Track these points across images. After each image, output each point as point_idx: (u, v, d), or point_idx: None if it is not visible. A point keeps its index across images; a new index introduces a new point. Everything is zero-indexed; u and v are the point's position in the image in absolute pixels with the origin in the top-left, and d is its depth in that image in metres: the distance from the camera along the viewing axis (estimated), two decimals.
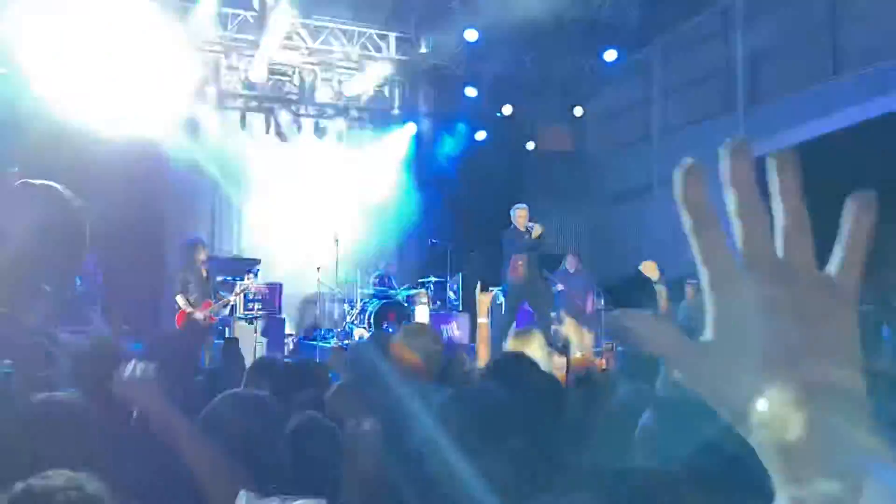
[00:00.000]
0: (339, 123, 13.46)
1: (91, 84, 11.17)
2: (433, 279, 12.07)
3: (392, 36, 12.58)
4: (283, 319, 10.39)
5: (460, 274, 12.39)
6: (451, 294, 12.34)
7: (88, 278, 10.62)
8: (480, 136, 14.01)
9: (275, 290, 10.42)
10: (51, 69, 11.13)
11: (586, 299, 10.64)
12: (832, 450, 0.45)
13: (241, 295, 9.40)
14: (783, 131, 11.65)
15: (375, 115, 13.64)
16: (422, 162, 13.71)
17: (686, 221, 0.53)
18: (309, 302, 12.63)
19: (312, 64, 12.50)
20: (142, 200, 11.65)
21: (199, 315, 8.07)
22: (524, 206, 8.80)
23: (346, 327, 11.05)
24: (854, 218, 0.55)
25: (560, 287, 10.15)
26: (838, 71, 11.03)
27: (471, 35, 11.81)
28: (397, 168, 13.63)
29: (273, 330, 9.95)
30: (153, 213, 12.19)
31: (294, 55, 12.14)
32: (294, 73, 12.57)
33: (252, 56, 12.01)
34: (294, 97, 13.03)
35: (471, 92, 13.18)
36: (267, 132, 13.30)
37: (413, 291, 11.52)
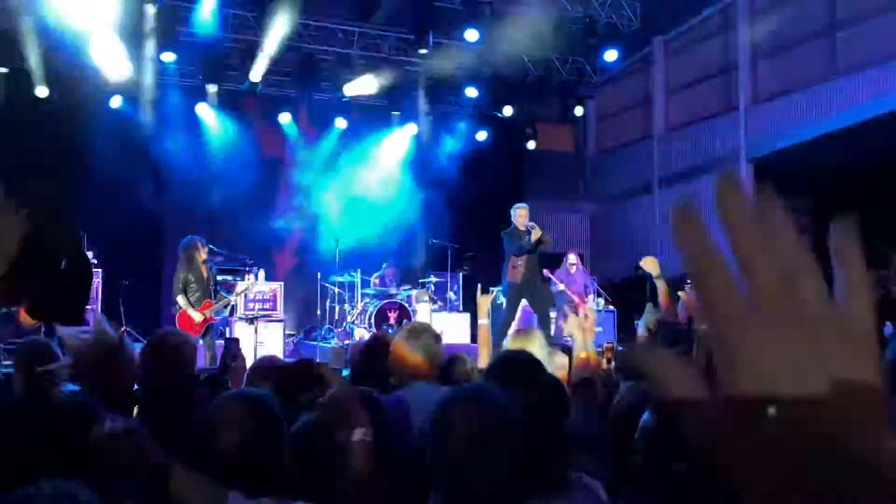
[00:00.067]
0: (340, 123, 13.46)
1: (91, 83, 11.19)
2: (434, 279, 12.06)
3: (392, 36, 12.58)
4: (284, 319, 10.39)
5: (461, 274, 12.39)
6: (451, 294, 12.33)
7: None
8: (481, 136, 14.00)
9: (275, 290, 10.41)
10: (51, 68, 11.15)
11: (586, 299, 10.63)
12: None
13: (242, 295, 9.39)
14: (784, 131, 11.66)
15: (376, 116, 13.63)
16: (422, 162, 13.70)
17: (688, 266, 0.50)
18: (309, 302, 12.63)
19: (313, 64, 12.49)
20: (143, 201, 11.67)
21: (198, 315, 8.06)
22: (524, 205, 8.80)
23: (347, 327, 11.05)
24: (840, 250, 0.52)
25: (561, 287, 10.15)
26: (839, 71, 11.03)
27: (471, 35, 11.80)
28: (398, 168, 13.63)
29: (273, 330, 9.94)
30: (154, 214, 12.21)
31: (294, 55, 12.13)
32: (294, 73, 12.56)
33: (252, 56, 12.01)
34: (294, 97, 13.02)
35: (471, 92, 13.17)
36: (267, 132, 13.30)
37: (414, 291, 11.52)
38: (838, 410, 0.46)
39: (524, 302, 8.79)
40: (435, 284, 12.03)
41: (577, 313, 3.42)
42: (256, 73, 12.09)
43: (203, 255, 8.31)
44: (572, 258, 11.05)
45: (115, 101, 11.80)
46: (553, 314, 8.89)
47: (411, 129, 13.64)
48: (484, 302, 4.20)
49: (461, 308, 12.16)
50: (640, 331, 4.12)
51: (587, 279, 11.05)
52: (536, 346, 3.38)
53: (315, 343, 11.01)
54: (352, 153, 13.62)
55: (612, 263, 14.32)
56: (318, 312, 12.03)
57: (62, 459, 1.72)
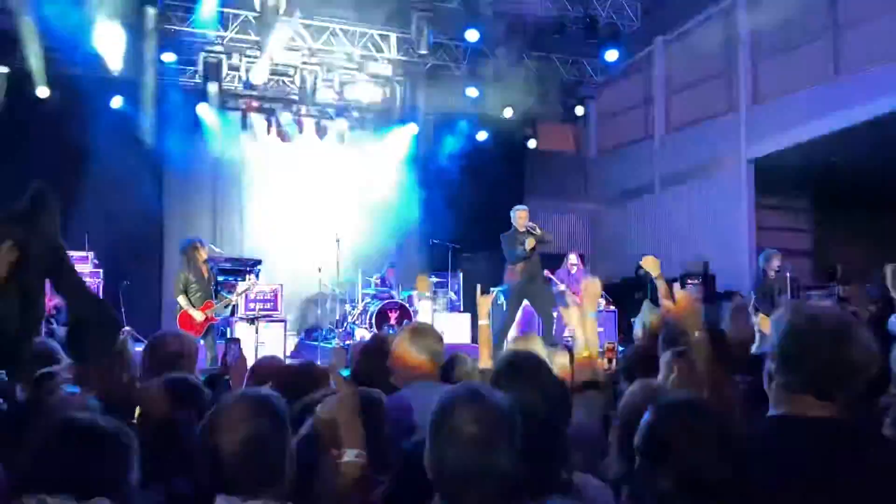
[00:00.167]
0: (340, 124, 13.46)
1: (91, 84, 11.19)
2: (434, 279, 12.06)
3: (393, 36, 12.58)
4: (285, 320, 10.39)
5: (461, 274, 12.39)
6: (452, 294, 12.34)
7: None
8: (481, 136, 14.00)
9: (276, 290, 10.41)
10: (52, 67, 11.16)
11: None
12: None
13: (243, 295, 9.39)
14: (784, 131, 11.65)
15: (376, 116, 13.63)
16: (423, 162, 13.70)
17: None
18: (310, 302, 12.63)
19: (313, 64, 12.49)
20: (143, 201, 11.68)
21: (199, 315, 8.06)
22: (524, 207, 8.78)
23: (348, 327, 11.05)
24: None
25: (561, 287, 10.15)
26: (839, 71, 11.03)
27: (472, 35, 11.80)
28: (398, 168, 13.63)
29: (274, 330, 9.94)
30: (154, 214, 12.22)
31: (295, 55, 12.13)
32: (295, 73, 12.56)
33: (253, 56, 12.01)
34: (295, 97, 13.03)
35: (472, 92, 13.17)
36: (268, 132, 13.31)
37: (414, 291, 11.52)
38: None
39: (525, 302, 8.78)
40: (435, 284, 12.03)
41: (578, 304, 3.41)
42: (257, 73, 12.09)
43: (203, 254, 8.31)
44: (573, 258, 11.05)
45: (116, 102, 11.81)
46: (555, 314, 8.88)
47: (412, 129, 13.64)
48: (484, 302, 4.18)
49: (461, 308, 12.17)
50: (637, 329, 4.11)
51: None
52: (538, 349, 3.38)
53: (316, 343, 11.01)
54: (352, 153, 13.62)
55: (613, 263, 14.31)
56: (319, 312, 12.03)
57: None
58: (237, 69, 12.36)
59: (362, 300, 11.36)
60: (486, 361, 3.80)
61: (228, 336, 8.55)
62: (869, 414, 2.70)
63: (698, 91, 13.75)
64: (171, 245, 11.56)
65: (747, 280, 10.77)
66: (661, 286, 3.87)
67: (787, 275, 9.17)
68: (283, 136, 13.35)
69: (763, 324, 4.70)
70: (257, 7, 11.09)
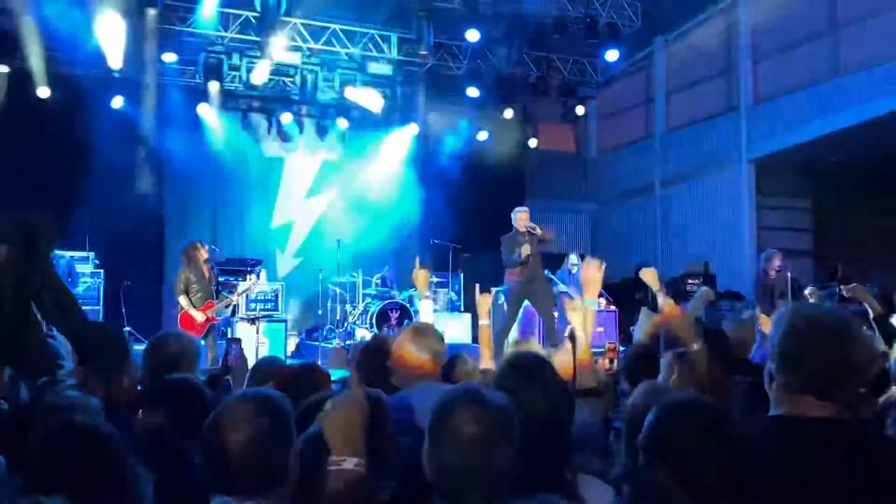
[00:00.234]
0: (341, 124, 13.46)
1: (92, 84, 11.20)
2: (435, 279, 12.06)
3: (394, 36, 12.58)
4: (286, 320, 10.39)
5: (462, 274, 12.39)
6: (452, 294, 12.34)
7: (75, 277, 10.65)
8: (482, 136, 14.00)
9: (277, 290, 10.41)
10: (53, 67, 11.17)
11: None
12: None
13: (244, 295, 9.39)
14: (785, 131, 11.65)
15: (377, 116, 13.63)
16: (424, 162, 13.70)
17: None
18: (311, 302, 12.64)
19: (314, 64, 12.49)
20: (144, 201, 11.68)
21: (200, 316, 8.06)
22: (525, 209, 8.74)
23: (348, 328, 11.05)
24: None
25: (562, 287, 10.14)
26: (840, 71, 11.03)
27: (472, 35, 11.80)
28: (399, 168, 13.63)
29: (275, 330, 9.94)
30: (155, 214, 12.22)
31: (296, 56, 12.13)
32: (296, 73, 12.56)
33: (254, 56, 12.02)
34: (296, 97, 13.03)
35: (472, 92, 13.17)
36: (269, 132, 13.32)
37: (415, 292, 11.50)
38: None
39: (527, 303, 8.75)
40: (436, 285, 12.02)
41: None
42: (258, 73, 12.10)
43: (203, 254, 8.29)
44: (574, 258, 11.03)
45: (117, 102, 11.82)
46: (556, 314, 8.87)
47: (413, 129, 13.64)
48: (484, 302, 4.18)
49: (462, 308, 12.16)
50: (637, 335, 4.11)
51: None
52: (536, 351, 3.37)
53: (317, 343, 11.01)
54: (353, 153, 13.62)
55: (614, 263, 14.28)
56: (320, 312, 12.04)
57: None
58: (238, 69, 12.36)
59: (363, 300, 11.36)
60: (487, 362, 3.80)
61: (229, 336, 8.55)
62: (870, 414, 2.71)
63: (699, 91, 13.76)
64: (171, 245, 11.56)
65: (748, 280, 10.78)
66: (661, 300, 3.86)
67: (788, 274, 9.17)
68: (283, 136, 13.36)
69: (763, 324, 4.70)
70: (258, 7, 11.09)
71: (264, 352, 8.53)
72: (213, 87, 12.17)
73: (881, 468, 1.75)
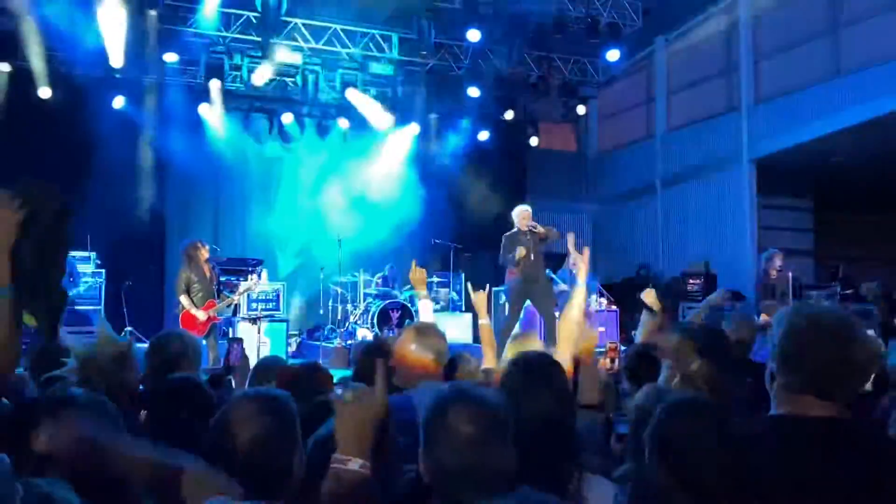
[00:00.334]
0: (342, 124, 13.47)
1: (93, 84, 11.22)
2: (436, 279, 12.07)
3: (395, 36, 12.58)
4: (287, 319, 10.40)
5: (462, 274, 12.39)
6: (453, 294, 12.34)
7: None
8: (483, 136, 14.00)
9: (278, 290, 10.42)
10: (54, 68, 11.18)
11: (589, 299, 10.62)
12: None
13: (245, 295, 9.40)
14: (786, 130, 11.65)
15: (378, 116, 13.63)
16: (424, 162, 13.71)
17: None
18: (312, 302, 12.65)
19: (315, 64, 12.50)
20: (145, 201, 11.69)
21: (202, 315, 8.07)
22: (527, 207, 8.72)
23: (350, 327, 11.06)
24: None
25: (563, 287, 10.15)
26: (841, 70, 11.03)
27: (473, 35, 11.80)
28: (400, 168, 13.64)
29: (276, 330, 9.94)
30: (156, 214, 12.23)
31: (297, 56, 12.14)
32: (297, 73, 12.57)
33: (255, 56, 12.03)
34: (297, 97, 13.03)
35: (473, 92, 13.17)
36: (270, 132, 13.32)
37: (415, 292, 11.50)
38: None
39: (528, 303, 8.75)
40: (437, 284, 12.03)
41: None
42: (259, 74, 12.11)
43: (205, 254, 8.29)
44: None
45: (118, 102, 11.82)
46: (557, 314, 8.87)
47: (414, 129, 13.65)
48: (479, 299, 4.17)
49: (463, 308, 12.17)
50: (639, 338, 4.11)
51: (589, 280, 11.03)
52: (536, 348, 3.37)
53: (318, 343, 11.03)
54: (354, 153, 13.63)
55: (615, 263, 14.32)
56: (321, 312, 12.04)
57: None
58: (239, 69, 12.37)
59: (364, 300, 11.37)
60: (490, 361, 3.80)
61: (230, 336, 8.55)
62: (870, 413, 2.71)
63: (699, 90, 13.76)
64: (173, 245, 11.57)
65: (749, 279, 10.78)
66: (659, 319, 3.86)
67: (789, 274, 9.17)
68: (284, 135, 13.37)
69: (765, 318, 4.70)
70: (259, 7, 11.11)
71: (265, 351, 8.53)
72: (215, 86, 12.19)
73: (881, 468, 1.76)
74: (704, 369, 2.47)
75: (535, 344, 3.60)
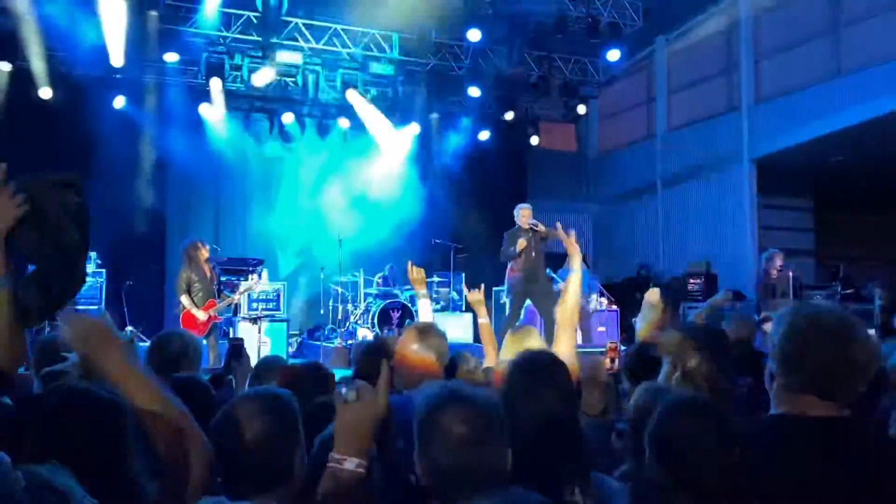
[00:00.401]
0: (343, 123, 13.47)
1: (93, 84, 11.22)
2: (436, 279, 12.06)
3: (395, 36, 12.58)
4: (287, 319, 10.40)
5: (463, 274, 12.39)
6: (454, 294, 12.34)
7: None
8: (483, 135, 14.00)
9: (278, 290, 10.42)
10: (55, 67, 11.18)
11: (589, 298, 10.63)
12: None
13: (245, 295, 9.41)
14: (787, 130, 11.65)
15: (379, 116, 13.64)
16: (425, 162, 13.71)
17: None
18: (312, 302, 12.65)
19: (316, 64, 12.50)
20: (146, 201, 11.69)
21: (202, 315, 8.07)
22: (527, 205, 8.78)
23: (350, 327, 11.06)
24: None
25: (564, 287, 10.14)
26: (842, 70, 11.02)
27: (474, 35, 11.80)
28: (401, 168, 13.64)
29: (277, 330, 9.95)
30: (157, 214, 12.23)
31: (297, 55, 12.15)
32: (297, 73, 12.57)
33: (256, 56, 12.03)
34: (297, 97, 13.04)
35: (474, 92, 13.17)
36: (270, 132, 13.33)
37: (415, 291, 11.49)
38: None
39: (528, 302, 8.76)
40: (437, 284, 12.03)
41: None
42: (260, 75, 12.11)
43: (205, 253, 8.31)
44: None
45: (119, 102, 11.83)
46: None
47: (414, 128, 13.65)
48: (474, 298, 4.17)
49: (463, 308, 12.16)
50: (639, 328, 4.11)
51: (590, 279, 11.04)
52: (535, 343, 3.37)
53: (318, 343, 11.03)
54: (354, 153, 13.63)
55: (615, 263, 14.32)
56: (322, 312, 12.04)
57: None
58: (239, 69, 12.37)
59: (364, 300, 11.37)
60: (491, 360, 3.79)
61: (231, 336, 8.56)
62: (871, 413, 2.71)
63: (700, 90, 13.75)
64: (173, 245, 11.58)
65: (749, 279, 10.78)
66: (661, 319, 3.86)
67: (790, 274, 9.18)
68: (285, 135, 13.37)
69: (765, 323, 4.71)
70: (259, 7, 11.11)
71: (266, 351, 8.53)
72: (215, 86, 12.19)
73: (881, 468, 1.76)
74: (704, 368, 2.47)
75: (534, 336, 3.58)
